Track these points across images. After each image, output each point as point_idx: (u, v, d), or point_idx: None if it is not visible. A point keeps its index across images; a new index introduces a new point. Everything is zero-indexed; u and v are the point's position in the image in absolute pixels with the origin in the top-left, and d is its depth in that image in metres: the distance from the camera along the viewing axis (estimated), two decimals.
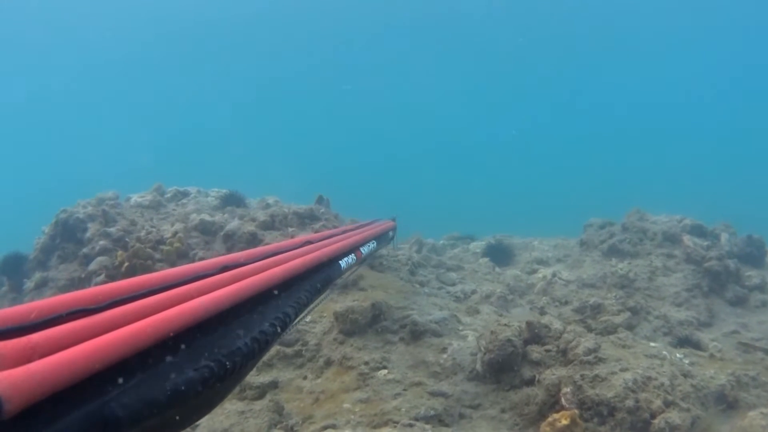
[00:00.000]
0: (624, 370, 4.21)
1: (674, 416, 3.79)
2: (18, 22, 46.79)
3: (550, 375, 4.32)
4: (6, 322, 1.20)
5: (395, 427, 3.96)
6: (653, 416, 3.84)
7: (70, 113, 53.12)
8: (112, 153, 47.45)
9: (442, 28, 47.94)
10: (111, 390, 1.15)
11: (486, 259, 9.34)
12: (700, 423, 3.90)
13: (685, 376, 4.37)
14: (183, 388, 1.34)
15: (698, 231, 8.31)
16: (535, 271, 8.64)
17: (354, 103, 54.81)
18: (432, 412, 4.21)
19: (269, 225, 7.91)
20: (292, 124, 55.99)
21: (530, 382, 4.48)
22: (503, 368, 4.59)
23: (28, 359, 1.02)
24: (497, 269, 8.86)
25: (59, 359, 1.04)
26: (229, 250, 7.24)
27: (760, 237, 8.24)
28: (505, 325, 4.83)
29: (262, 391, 4.81)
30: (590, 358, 4.43)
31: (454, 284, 7.88)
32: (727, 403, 4.24)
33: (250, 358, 1.72)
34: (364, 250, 4.35)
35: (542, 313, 6.63)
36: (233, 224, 7.89)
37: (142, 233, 7.47)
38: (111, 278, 6.69)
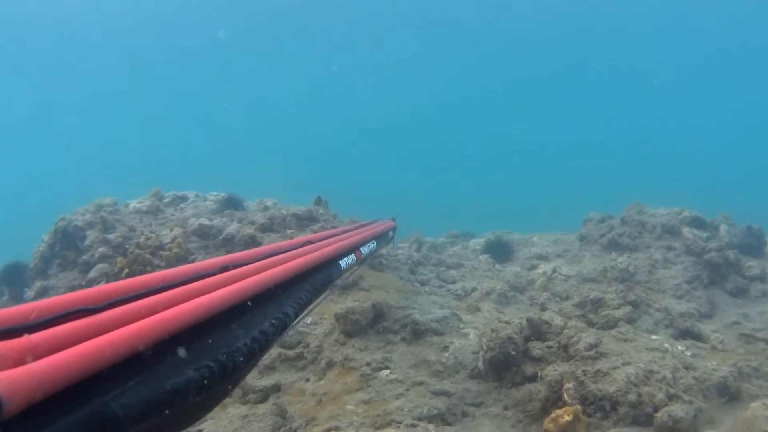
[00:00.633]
0: (626, 364, 4.22)
1: (677, 409, 3.79)
2: (19, 23, 46.96)
3: (552, 371, 4.33)
4: (6, 322, 1.20)
5: (398, 427, 3.96)
6: (656, 410, 3.84)
7: (72, 121, 53.33)
8: (110, 157, 47.72)
9: (447, 28, 48.42)
10: (111, 390, 1.14)
11: (486, 256, 9.32)
12: (703, 415, 3.90)
13: (687, 368, 4.37)
14: (183, 388, 1.34)
15: (697, 223, 8.32)
16: (535, 267, 8.62)
17: (354, 102, 54.99)
18: (435, 412, 4.21)
19: (268, 227, 7.90)
20: (292, 123, 56.16)
21: (532, 378, 4.49)
22: (505, 365, 4.59)
23: (28, 359, 1.02)
24: (497, 266, 8.85)
25: (59, 359, 1.04)
26: (228, 254, 7.21)
27: (760, 227, 8.24)
28: (506, 322, 4.83)
29: (264, 395, 4.80)
30: (592, 353, 4.44)
31: (454, 282, 7.88)
32: (729, 394, 4.25)
33: (250, 358, 1.72)
34: (364, 250, 4.35)
35: (543, 308, 6.63)
36: (232, 228, 7.90)
37: (142, 239, 7.46)
38: None
